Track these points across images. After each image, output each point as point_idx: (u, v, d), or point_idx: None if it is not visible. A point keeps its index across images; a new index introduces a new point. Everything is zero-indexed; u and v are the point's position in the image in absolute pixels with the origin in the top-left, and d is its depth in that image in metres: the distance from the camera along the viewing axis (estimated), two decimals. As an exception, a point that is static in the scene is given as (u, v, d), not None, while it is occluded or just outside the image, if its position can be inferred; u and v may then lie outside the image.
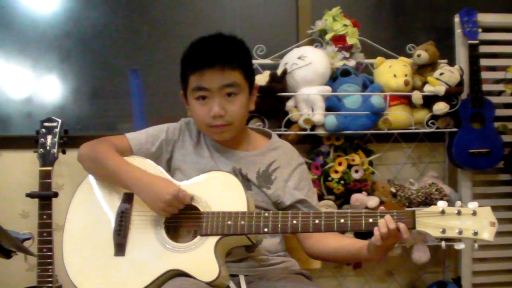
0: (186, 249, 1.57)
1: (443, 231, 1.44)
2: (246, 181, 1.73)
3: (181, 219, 1.64)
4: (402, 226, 1.46)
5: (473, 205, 1.45)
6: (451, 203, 1.48)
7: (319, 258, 1.84)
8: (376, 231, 1.48)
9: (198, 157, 1.79)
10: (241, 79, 1.70)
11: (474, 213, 1.44)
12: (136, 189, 1.63)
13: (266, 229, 1.55)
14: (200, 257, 1.55)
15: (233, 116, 1.71)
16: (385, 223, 1.46)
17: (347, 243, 1.69)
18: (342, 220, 1.52)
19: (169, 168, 1.79)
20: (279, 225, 1.55)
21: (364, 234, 1.72)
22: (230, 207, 1.58)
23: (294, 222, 1.54)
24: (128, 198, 1.67)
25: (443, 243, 1.51)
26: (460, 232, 1.43)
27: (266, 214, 1.56)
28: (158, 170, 1.71)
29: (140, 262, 1.59)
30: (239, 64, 1.70)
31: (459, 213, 1.44)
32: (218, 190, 1.63)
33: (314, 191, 1.88)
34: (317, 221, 1.53)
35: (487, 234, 1.42)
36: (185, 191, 1.60)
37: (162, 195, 1.57)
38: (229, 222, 1.55)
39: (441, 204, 1.47)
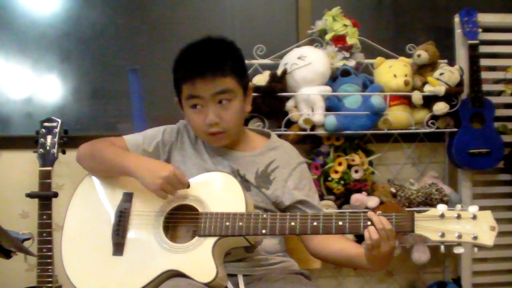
0: (184, 250, 1.57)
1: (442, 235, 1.42)
2: (244, 182, 1.73)
3: (180, 220, 1.64)
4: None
5: (473, 208, 1.43)
6: (451, 203, 1.46)
7: (322, 260, 1.84)
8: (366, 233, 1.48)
9: (197, 158, 1.78)
10: (234, 84, 1.69)
11: (474, 217, 1.41)
12: (134, 172, 1.62)
13: (264, 231, 1.54)
14: (198, 257, 1.54)
15: (228, 123, 1.70)
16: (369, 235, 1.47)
17: (348, 248, 1.67)
18: (340, 223, 1.51)
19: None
20: (277, 227, 1.54)
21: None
22: (228, 208, 1.57)
23: (292, 224, 1.53)
24: (127, 198, 1.67)
25: (442, 247, 1.50)
26: (460, 236, 1.41)
27: (265, 216, 1.56)
28: None
29: (138, 262, 1.59)
30: (230, 69, 1.68)
31: (458, 216, 1.42)
32: (217, 191, 1.62)
33: (315, 190, 1.87)
34: (315, 223, 1.52)
35: (487, 239, 1.40)
36: (182, 171, 1.61)
37: (159, 172, 1.57)
38: (227, 223, 1.55)
39: (441, 207, 1.44)
